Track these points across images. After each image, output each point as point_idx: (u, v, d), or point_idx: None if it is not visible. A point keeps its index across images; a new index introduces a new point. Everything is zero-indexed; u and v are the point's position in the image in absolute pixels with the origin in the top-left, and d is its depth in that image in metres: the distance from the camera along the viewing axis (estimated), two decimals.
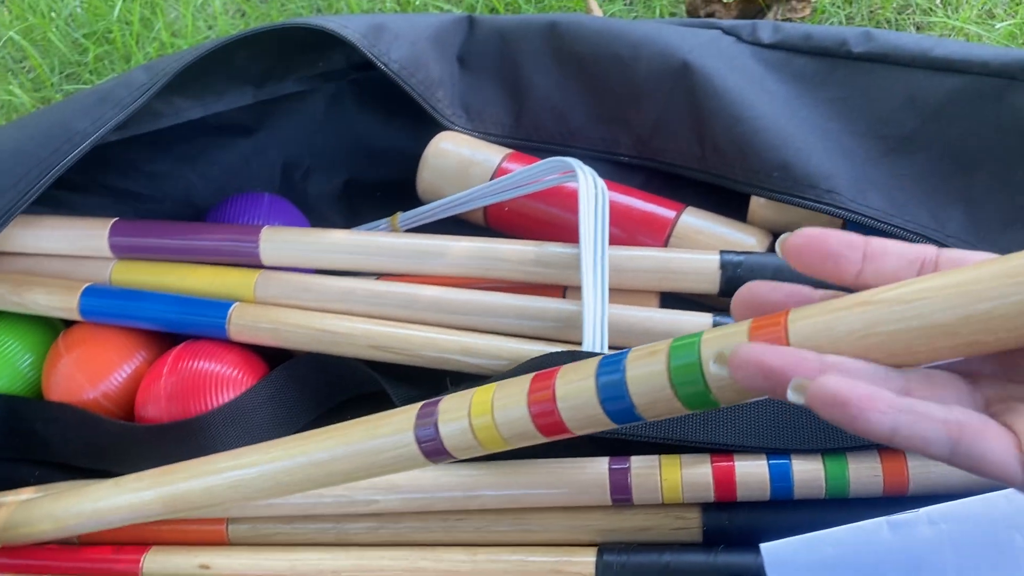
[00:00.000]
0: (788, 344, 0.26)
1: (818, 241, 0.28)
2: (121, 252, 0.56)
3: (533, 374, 0.33)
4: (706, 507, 0.46)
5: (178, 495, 0.44)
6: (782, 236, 0.28)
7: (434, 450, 0.34)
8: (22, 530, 0.48)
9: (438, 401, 0.35)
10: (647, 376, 0.29)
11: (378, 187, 0.64)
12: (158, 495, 0.44)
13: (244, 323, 0.52)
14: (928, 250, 0.28)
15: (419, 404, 0.35)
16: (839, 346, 0.26)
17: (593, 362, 0.31)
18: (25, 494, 0.52)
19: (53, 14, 0.79)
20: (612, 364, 0.30)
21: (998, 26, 0.64)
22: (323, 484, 0.37)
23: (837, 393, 0.23)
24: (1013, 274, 0.24)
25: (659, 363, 0.29)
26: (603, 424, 0.30)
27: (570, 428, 0.31)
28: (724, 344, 0.28)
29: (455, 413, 0.34)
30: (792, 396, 0.25)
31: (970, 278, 0.25)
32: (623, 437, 0.44)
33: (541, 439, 0.32)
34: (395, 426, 0.35)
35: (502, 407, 0.33)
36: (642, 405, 0.29)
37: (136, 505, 0.45)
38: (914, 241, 0.49)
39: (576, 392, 0.30)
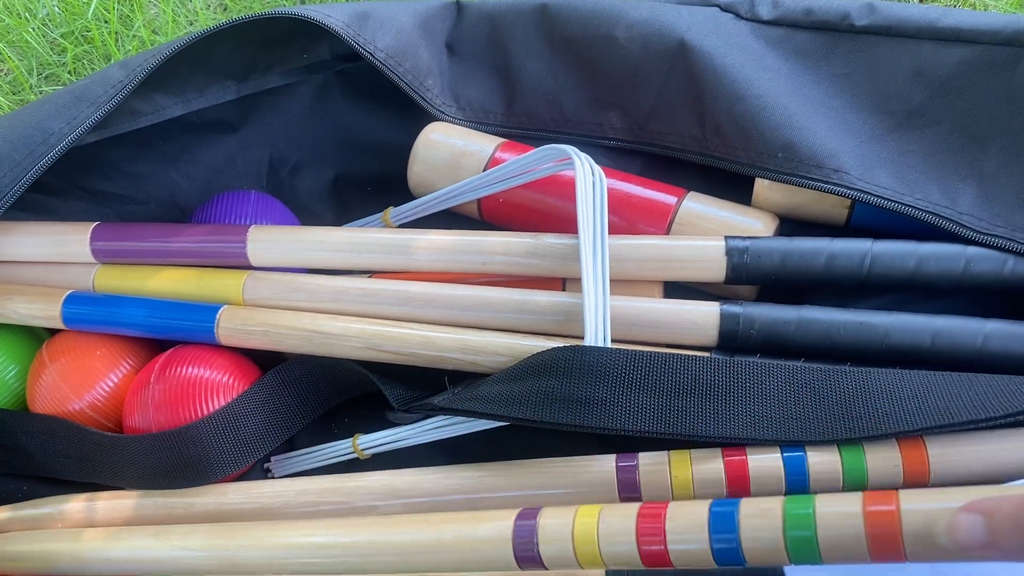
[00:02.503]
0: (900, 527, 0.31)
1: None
2: (103, 257, 0.54)
3: (638, 507, 0.37)
4: None
5: (236, 562, 0.43)
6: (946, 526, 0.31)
7: (530, 562, 0.38)
8: (31, 564, 0.46)
9: (535, 524, 0.38)
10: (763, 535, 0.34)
11: (369, 181, 0.62)
12: (211, 557, 0.43)
13: (233, 326, 0.50)
14: None
15: (512, 519, 0.39)
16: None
17: (704, 512, 0.35)
18: (10, 511, 0.50)
19: (29, 15, 0.77)
20: (725, 519, 0.35)
21: None
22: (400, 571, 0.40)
23: None
24: None
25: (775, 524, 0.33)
26: (706, 564, 0.35)
27: (673, 563, 0.36)
28: (838, 520, 0.32)
29: (558, 541, 0.38)
30: None
31: None
32: (630, 434, 0.42)
33: (640, 567, 0.36)
34: (492, 539, 0.39)
35: (609, 543, 0.37)
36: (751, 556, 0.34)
37: (181, 561, 0.44)
38: (925, 220, 0.47)
39: (688, 538, 0.35)
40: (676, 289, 0.51)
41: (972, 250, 0.46)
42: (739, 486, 0.43)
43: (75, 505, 0.49)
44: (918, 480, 0.41)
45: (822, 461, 0.42)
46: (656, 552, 0.35)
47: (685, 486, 0.43)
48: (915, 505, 0.31)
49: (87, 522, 0.49)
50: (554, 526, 0.38)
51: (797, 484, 0.42)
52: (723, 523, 0.34)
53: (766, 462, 0.42)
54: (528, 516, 0.39)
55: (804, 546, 0.32)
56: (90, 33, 0.75)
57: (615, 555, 0.36)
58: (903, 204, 0.47)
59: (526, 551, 0.38)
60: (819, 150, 0.48)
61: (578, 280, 0.47)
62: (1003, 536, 0.28)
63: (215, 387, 0.50)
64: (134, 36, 0.75)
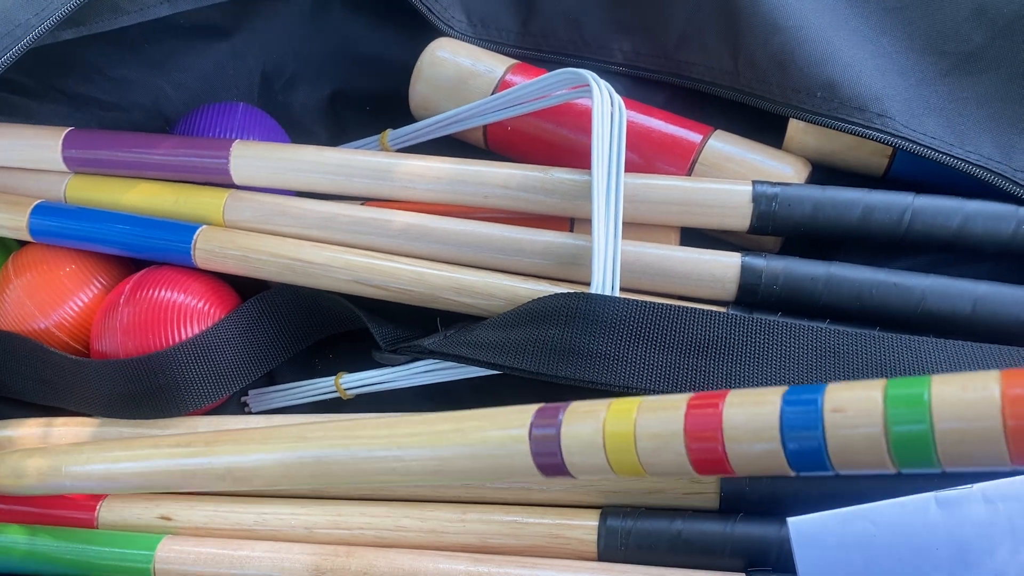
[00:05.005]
0: None
1: None
2: (76, 166, 0.50)
3: (687, 399, 0.28)
4: None
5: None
6: None
7: (555, 471, 0.31)
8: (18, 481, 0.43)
9: (558, 422, 0.31)
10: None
11: (368, 100, 0.58)
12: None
13: (211, 248, 0.46)
14: None
15: (529, 417, 0.31)
16: None
17: (776, 399, 0.27)
18: None
19: None
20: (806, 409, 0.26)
21: None
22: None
23: None
24: None
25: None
26: (780, 468, 0.27)
27: (734, 469, 0.28)
28: (964, 409, 0.23)
29: (585, 440, 0.30)
30: None
31: None
32: (634, 392, 0.39)
33: (692, 474, 0.29)
34: (508, 443, 0.32)
35: (649, 447, 0.29)
36: (839, 459, 0.26)
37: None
38: (976, 175, 0.43)
39: (755, 435, 0.27)
40: (692, 236, 0.47)
41: None
42: None
43: (34, 430, 0.46)
44: None
45: None
46: (711, 457, 0.28)
47: None
48: None
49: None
50: (581, 432, 0.30)
51: None
52: (802, 416, 0.26)
53: None
54: (549, 417, 0.31)
55: (915, 445, 0.24)
56: None
57: (656, 463, 0.29)
58: (951, 156, 0.43)
59: (549, 460, 0.31)
60: (863, 91, 0.44)
61: (588, 221, 0.43)
62: None
63: (189, 313, 0.46)
64: None
